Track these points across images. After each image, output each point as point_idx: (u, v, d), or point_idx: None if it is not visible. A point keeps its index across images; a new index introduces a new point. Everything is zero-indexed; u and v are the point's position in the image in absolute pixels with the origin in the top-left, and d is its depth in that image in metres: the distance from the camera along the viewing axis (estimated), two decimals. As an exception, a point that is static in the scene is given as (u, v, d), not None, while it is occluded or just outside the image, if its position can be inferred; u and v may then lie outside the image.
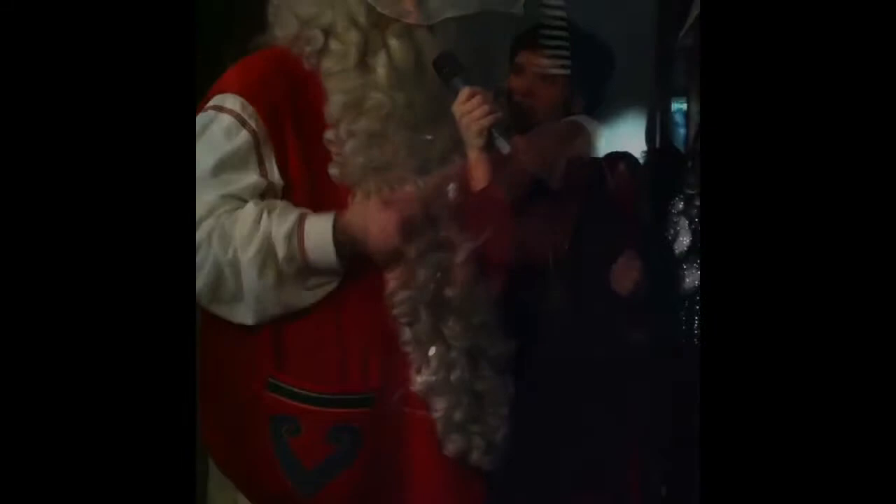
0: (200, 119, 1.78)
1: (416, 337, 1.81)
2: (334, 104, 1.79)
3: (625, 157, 3.14)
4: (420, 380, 1.81)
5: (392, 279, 1.80)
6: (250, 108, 1.76)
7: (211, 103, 1.80)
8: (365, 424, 1.79)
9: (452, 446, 1.82)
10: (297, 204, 1.77)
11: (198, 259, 1.67)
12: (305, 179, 1.78)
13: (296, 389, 1.78)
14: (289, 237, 1.70)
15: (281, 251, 1.70)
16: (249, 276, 1.70)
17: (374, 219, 1.72)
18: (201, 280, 1.68)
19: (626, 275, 2.12)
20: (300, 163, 1.78)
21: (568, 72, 2.17)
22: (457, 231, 1.84)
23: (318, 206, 1.78)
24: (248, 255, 1.69)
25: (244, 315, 1.73)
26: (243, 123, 1.76)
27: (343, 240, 1.72)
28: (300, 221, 1.71)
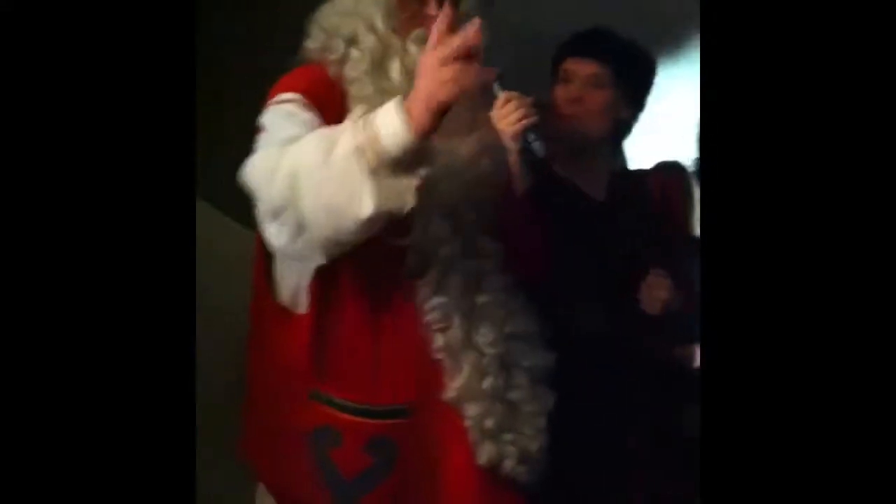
0: (264, 116, 1.78)
1: (448, 344, 1.80)
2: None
3: (673, 166, 3.10)
4: (452, 386, 1.80)
5: (424, 286, 1.79)
6: (307, 102, 1.77)
7: (269, 103, 1.80)
8: (402, 435, 1.78)
9: (485, 455, 1.80)
10: None
11: (266, 167, 1.62)
12: None
13: (338, 400, 1.78)
14: (354, 122, 1.61)
15: (345, 137, 1.59)
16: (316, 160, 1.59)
17: (432, 76, 1.57)
18: (276, 186, 1.60)
19: (653, 294, 2.10)
20: None
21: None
22: (490, 237, 1.83)
23: None
24: (312, 145, 1.61)
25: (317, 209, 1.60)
26: (307, 108, 1.76)
27: (412, 115, 1.58)
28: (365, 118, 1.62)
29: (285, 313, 1.84)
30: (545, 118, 2.22)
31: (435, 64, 1.55)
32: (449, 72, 1.54)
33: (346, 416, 1.77)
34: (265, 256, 1.86)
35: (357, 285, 1.80)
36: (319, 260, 1.70)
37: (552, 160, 2.19)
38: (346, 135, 1.59)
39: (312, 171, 1.59)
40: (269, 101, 1.80)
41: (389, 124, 1.56)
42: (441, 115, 1.57)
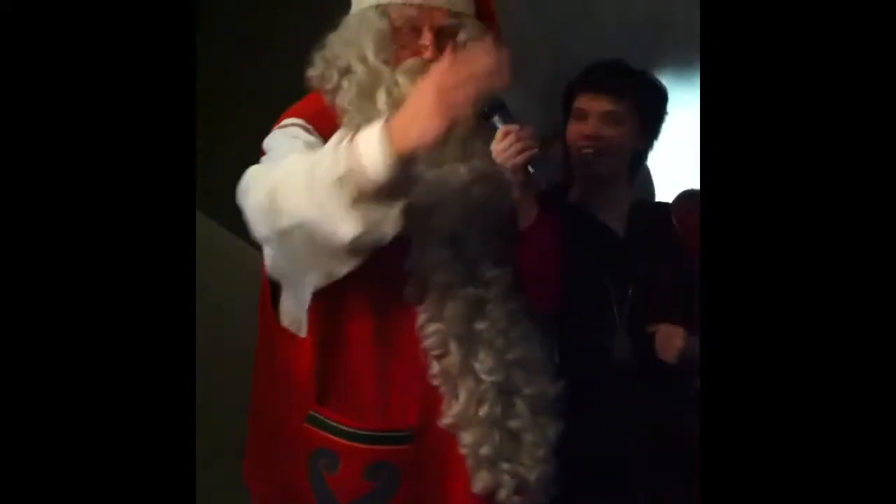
0: (267, 140, 1.80)
1: (444, 370, 1.79)
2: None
3: (696, 195, 3.05)
4: (449, 413, 1.80)
5: (422, 312, 1.79)
6: (311, 127, 1.79)
7: (274, 129, 1.82)
8: (404, 462, 1.77)
9: (480, 483, 1.80)
10: None
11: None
12: None
13: (335, 424, 1.77)
14: (337, 144, 1.58)
15: (328, 159, 1.57)
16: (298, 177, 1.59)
17: (422, 106, 1.54)
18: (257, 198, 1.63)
19: (668, 344, 2.10)
20: None
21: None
22: (492, 264, 1.83)
23: None
24: (299, 163, 1.62)
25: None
26: (310, 132, 1.78)
27: (394, 143, 1.54)
28: (350, 136, 1.60)
29: (289, 336, 1.84)
30: (562, 152, 2.23)
31: (433, 90, 1.53)
32: (444, 101, 1.52)
33: (343, 441, 1.76)
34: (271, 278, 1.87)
35: (359, 310, 1.80)
36: (309, 286, 1.70)
37: (567, 192, 2.19)
38: (329, 159, 1.57)
39: (295, 195, 1.58)
40: (274, 127, 1.82)
41: (372, 154, 1.54)
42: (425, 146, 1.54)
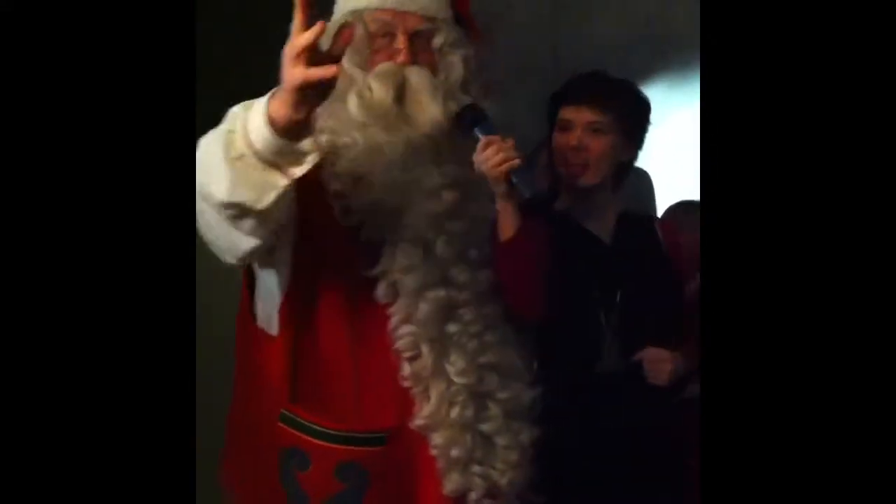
0: None
1: (416, 372, 1.81)
2: (321, 144, 1.79)
3: (688, 206, 3.03)
4: (421, 415, 1.81)
5: (394, 314, 1.80)
6: None
7: None
8: (374, 464, 1.78)
9: (450, 485, 1.81)
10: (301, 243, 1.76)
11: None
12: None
13: (306, 423, 1.78)
14: (234, 116, 1.62)
15: (226, 124, 1.61)
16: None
17: (285, 70, 1.56)
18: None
19: (657, 369, 2.11)
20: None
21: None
22: (462, 267, 1.84)
23: (325, 249, 1.78)
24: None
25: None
26: None
27: (272, 108, 1.57)
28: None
29: (263, 335, 1.85)
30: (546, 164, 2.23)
31: (286, 58, 1.54)
32: (290, 68, 1.52)
33: (314, 440, 1.77)
34: (249, 274, 1.87)
35: (332, 311, 1.81)
36: (227, 259, 1.70)
37: (554, 200, 2.20)
38: (227, 121, 1.59)
39: (201, 158, 1.59)
40: None
41: (255, 117, 1.56)
42: (298, 110, 1.53)
